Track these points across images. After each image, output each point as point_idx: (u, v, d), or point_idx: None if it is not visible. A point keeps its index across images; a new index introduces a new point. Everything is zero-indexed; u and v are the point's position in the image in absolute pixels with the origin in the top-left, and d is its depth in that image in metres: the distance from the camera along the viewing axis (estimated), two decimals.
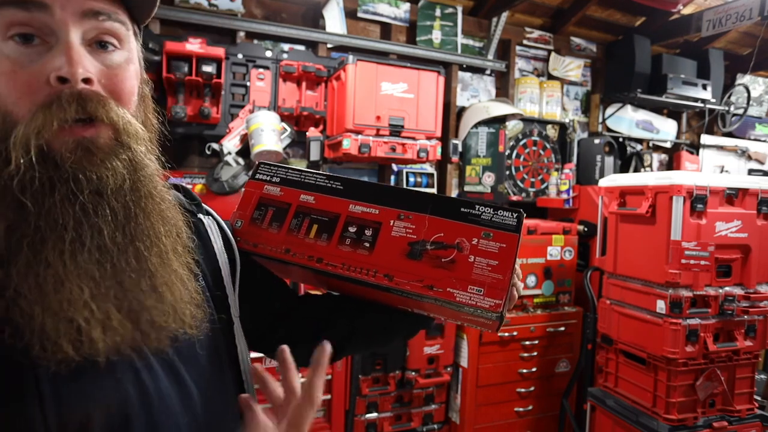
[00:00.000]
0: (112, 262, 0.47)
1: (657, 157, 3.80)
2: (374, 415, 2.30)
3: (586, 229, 2.75)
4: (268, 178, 0.79)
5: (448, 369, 2.38)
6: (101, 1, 0.48)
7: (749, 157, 3.98)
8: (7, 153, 0.44)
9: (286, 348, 0.61)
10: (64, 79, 0.45)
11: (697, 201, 1.95)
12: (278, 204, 0.76)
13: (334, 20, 2.64)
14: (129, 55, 0.52)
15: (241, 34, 2.47)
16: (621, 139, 3.53)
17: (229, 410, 0.59)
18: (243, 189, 0.84)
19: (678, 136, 3.81)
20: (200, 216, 0.69)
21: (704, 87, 3.36)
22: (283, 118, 2.44)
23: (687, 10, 3.15)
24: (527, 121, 3.23)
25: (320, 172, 0.82)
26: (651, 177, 2.10)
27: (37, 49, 0.45)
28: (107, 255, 0.47)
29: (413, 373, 2.29)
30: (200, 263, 0.62)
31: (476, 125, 3.01)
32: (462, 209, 0.70)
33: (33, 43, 0.45)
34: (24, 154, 0.43)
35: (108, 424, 0.46)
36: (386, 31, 2.89)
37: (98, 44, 0.49)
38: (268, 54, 2.41)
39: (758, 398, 2.24)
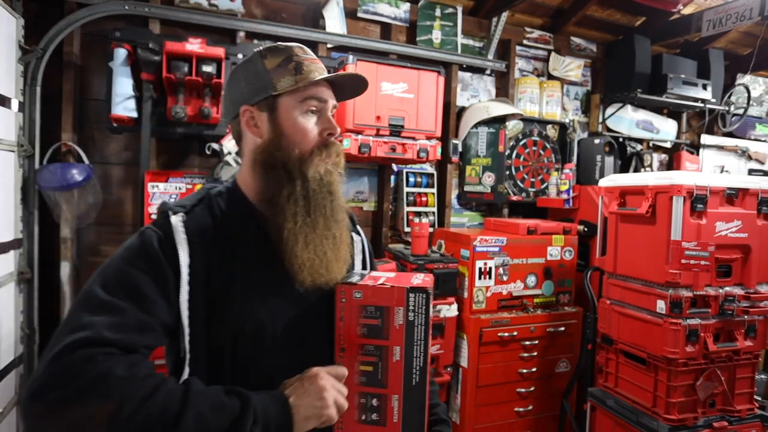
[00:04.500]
0: (334, 231, 0.89)
1: (657, 157, 3.80)
2: None
3: (586, 229, 2.75)
4: None
5: (448, 369, 2.38)
6: (335, 99, 0.93)
7: (749, 157, 3.98)
8: (306, 171, 0.86)
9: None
10: (330, 134, 0.90)
11: (697, 201, 1.95)
12: None
13: (334, 20, 2.64)
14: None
15: (241, 34, 2.48)
16: (621, 139, 3.53)
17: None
18: None
19: (678, 136, 3.81)
20: (353, 233, 1.04)
21: (704, 87, 3.36)
22: None
23: (687, 10, 3.15)
24: (527, 121, 3.23)
25: None
26: (651, 177, 2.10)
27: (314, 118, 0.89)
28: (335, 227, 0.89)
29: None
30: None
31: (476, 125, 3.01)
32: None
33: (313, 116, 0.89)
34: (316, 172, 0.87)
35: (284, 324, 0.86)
36: (386, 31, 2.89)
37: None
38: None
39: (758, 398, 2.24)
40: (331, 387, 0.76)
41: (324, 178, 0.88)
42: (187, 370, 0.78)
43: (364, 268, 1.08)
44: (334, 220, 0.89)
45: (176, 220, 0.81)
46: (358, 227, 1.10)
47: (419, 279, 0.89)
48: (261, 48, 0.90)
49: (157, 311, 0.73)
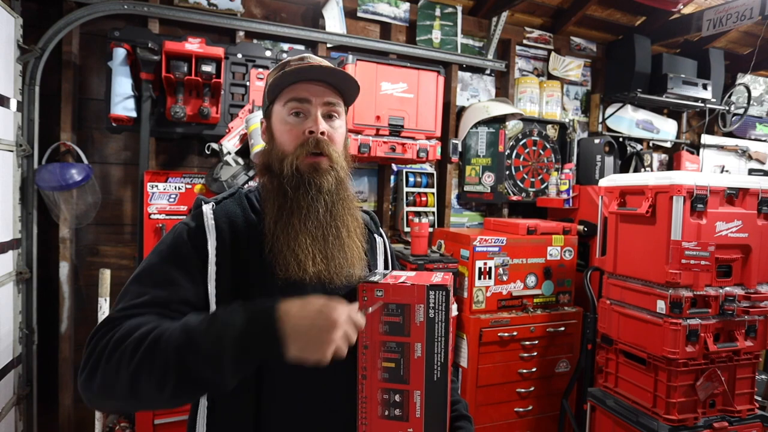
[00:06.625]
0: (322, 229, 0.89)
1: (657, 157, 3.79)
2: None
3: (586, 229, 2.75)
4: None
5: None
6: (332, 97, 0.92)
7: (750, 157, 3.97)
8: (283, 168, 0.89)
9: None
10: (312, 132, 0.89)
11: (697, 201, 1.94)
12: None
13: (334, 20, 2.64)
14: (341, 122, 0.95)
15: (241, 33, 2.47)
16: (621, 139, 3.53)
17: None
18: None
19: (678, 136, 3.81)
20: (375, 235, 1.10)
21: (704, 87, 3.35)
22: None
23: (687, 10, 3.14)
24: (527, 120, 3.23)
25: None
26: (651, 177, 2.10)
27: (300, 119, 0.90)
28: (320, 224, 0.89)
29: None
30: (367, 257, 1.01)
31: (476, 125, 3.00)
32: None
33: (299, 117, 0.91)
34: (290, 168, 0.88)
35: None
36: (386, 30, 2.89)
37: (328, 116, 0.93)
38: (268, 54, 2.40)
39: (759, 398, 2.24)
40: (345, 321, 0.72)
41: (305, 175, 0.88)
42: None
43: (386, 268, 1.10)
44: (324, 221, 0.89)
45: (207, 208, 0.91)
46: (381, 229, 1.14)
47: (439, 277, 0.90)
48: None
49: (179, 290, 0.82)
